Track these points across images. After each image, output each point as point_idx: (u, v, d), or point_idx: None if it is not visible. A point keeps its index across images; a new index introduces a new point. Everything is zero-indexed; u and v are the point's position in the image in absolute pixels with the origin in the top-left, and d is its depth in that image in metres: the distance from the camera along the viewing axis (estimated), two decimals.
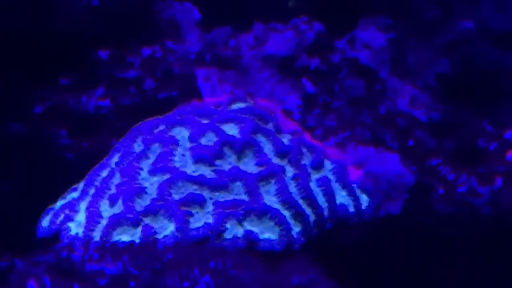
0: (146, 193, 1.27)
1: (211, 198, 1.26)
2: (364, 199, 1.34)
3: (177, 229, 1.22)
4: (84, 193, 1.32)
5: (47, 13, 1.46)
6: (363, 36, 1.57)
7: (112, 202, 1.27)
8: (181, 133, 1.33)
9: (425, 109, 1.52)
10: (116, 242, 1.21)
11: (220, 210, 1.25)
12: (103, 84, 1.47)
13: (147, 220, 1.24)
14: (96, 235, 1.24)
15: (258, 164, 1.31)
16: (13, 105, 1.47)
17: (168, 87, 1.47)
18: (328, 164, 1.35)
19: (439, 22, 1.71)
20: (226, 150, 1.30)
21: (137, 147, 1.33)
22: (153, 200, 1.25)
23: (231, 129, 1.33)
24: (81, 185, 1.34)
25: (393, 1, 1.72)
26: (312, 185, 1.32)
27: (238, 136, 1.32)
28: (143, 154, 1.31)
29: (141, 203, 1.25)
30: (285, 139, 1.35)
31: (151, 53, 1.49)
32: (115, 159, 1.34)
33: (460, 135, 1.51)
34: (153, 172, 1.29)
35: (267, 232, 1.25)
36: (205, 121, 1.34)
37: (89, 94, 1.47)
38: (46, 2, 1.45)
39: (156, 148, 1.31)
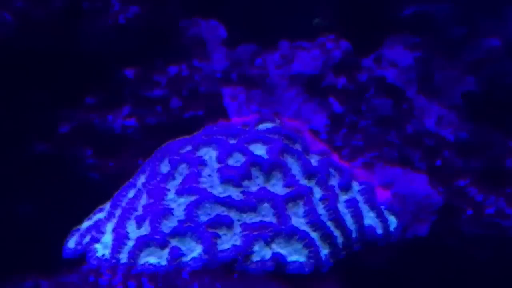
0: (173, 214, 1.25)
1: (238, 220, 1.25)
2: (392, 221, 1.33)
3: (204, 251, 1.20)
4: (110, 214, 1.31)
5: (74, 33, 1.47)
6: (390, 54, 1.58)
7: (139, 223, 1.26)
8: (208, 154, 1.32)
9: (453, 129, 1.53)
10: (144, 264, 1.20)
11: (248, 232, 1.23)
12: (129, 103, 1.48)
13: (174, 242, 1.22)
14: (123, 257, 1.23)
15: (286, 185, 1.29)
16: (39, 125, 1.48)
17: (194, 106, 1.48)
18: (356, 185, 1.34)
19: (465, 40, 1.72)
20: (253, 171, 1.29)
21: (164, 167, 1.33)
22: (180, 221, 1.24)
23: (259, 150, 1.32)
24: (107, 206, 1.34)
25: (419, 19, 1.73)
26: (340, 206, 1.30)
27: (266, 156, 1.31)
28: (170, 175, 1.30)
29: (168, 225, 1.24)
30: (313, 160, 1.34)
31: (177, 72, 1.50)
32: (142, 179, 1.34)
33: (487, 155, 1.51)
34: (180, 193, 1.27)
35: (295, 255, 1.23)
36: (232, 141, 1.33)
37: (115, 113, 1.48)
38: (73, 22, 1.46)
39: (183, 169, 1.30)
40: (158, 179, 1.31)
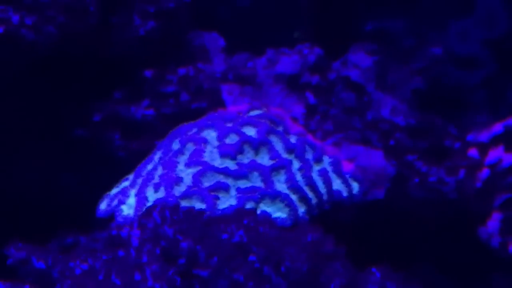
0: (182, 181, 1.27)
1: (234, 185, 1.27)
2: (355, 186, 1.34)
3: (207, 209, 1.22)
4: (133, 182, 1.33)
5: (105, 41, 1.47)
6: (354, 58, 1.58)
7: (156, 189, 1.28)
8: (210, 134, 1.33)
9: (403, 116, 1.52)
10: None
11: (241, 194, 1.25)
12: (148, 97, 1.47)
13: (183, 203, 1.23)
14: None
15: (271, 158, 1.31)
16: (77, 114, 1.47)
17: (199, 99, 1.48)
18: (326, 159, 1.35)
19: (414, 48, 1.71)
20: (245, 147, 1.31)
21: (175, 145, 1.34)
22: (188, 187, 1.26)
23: (250, 131, 1.34)
24: (131, 177, 1.35)
25: (378, 32, 1.72)
26: (314, 175, 1.32)
27: (255, 136, 1.33)
28: (180, 151, 1.32)
29: (178, 189, 1.26)
30: (292, 139, 1.36)
31: (186, 73, 1.49)
32: (158, 155, 1.35)
33: (431, 137, 1.51)
34: (188, 165, 1.29)
35: (279, 212, 1.25)
36: (229, 125, 1.35)
37: (137, 105, 1.47)
38: (104, 33, 1.46)
39: (190, 146, 1.32)
40: (170, 154, 1.32)
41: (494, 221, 1.43)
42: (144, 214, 1.06)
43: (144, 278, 0.97)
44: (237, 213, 1.16)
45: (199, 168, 1.28)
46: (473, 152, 1.48)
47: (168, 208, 1.04)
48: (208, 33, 1.57)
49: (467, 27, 1.82)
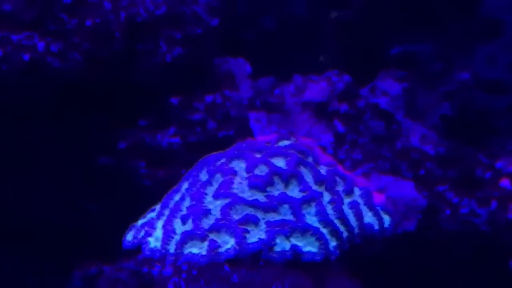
0: (211, 214, 1.25)
1: (263, 218, 1.25)
2: (387, 219, 1.32)
3: (236, 243, 1.21)
4: (160, 213, 1.31)
5: (130, 68, 1.46)
6: (382, 85, 1.57)
7: (184, 221, 1.26)
8: (239, 165, 1.31)
9: (433, 145, 1.51)
10: (187, 254, 1.21)
11: (271, 228, 1.23)
12: (174, 124, 1.47)
13: (212, 236, 1.23)
14: (171, 248, 1.23)
15: (301, 190, 1.29)
16: (102, 141, 1.47)
17: (226, 127, 1.47)
18: (357, 190, 1.33)
19: (442, 74, 1.71)
20: (275, 179, 1.29)
21: (203, 176, 1.32)
22: (216, 219, 1.24)
23: (279, 162, 1.32)
24: (157, 207, 1.33)
25: (405, 57, 1.72)
26: (345, 207, 1.30)
27: (285, 167, 1.30)
28: (208, 182, 1.30)
29: (207, 222, 1.24)
30: (322, 170, 1.34)
31: (213, 100, 1.48)
32: (185, 186, 1.33)
33: (461, 166, 1.50)
34: (216, 197, 1.27)
35: (309, 246, 1.23)
36: (258, 156, 1.33)
37: (163, 133, 1.46)
38: (129, 59, 1.46)
39: (219, 177, 1.30)
40: (198, 185, 1.30)
41: None
42: (175, 271, 1.03)
43: None
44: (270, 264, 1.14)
45: (228, 200, 1.26)
46: (505, 182, 1.47)
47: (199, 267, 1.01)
48: (235, 59, 1.56)
49: (494, 52, 1.82)
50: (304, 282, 0.95)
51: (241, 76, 1.54)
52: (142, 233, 1.29)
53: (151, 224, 1.29)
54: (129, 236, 1.31)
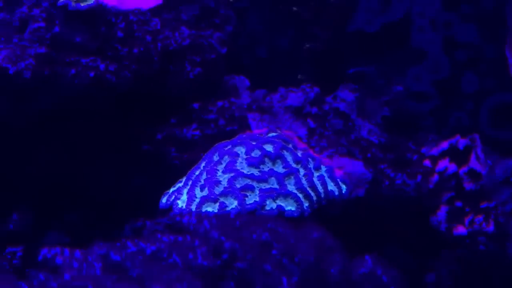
0: (221, 183, 1.25)
1: (257, 187, 1.24)
2: (344, 187, 1.31)
3: (239, 204, 1.21)
4: (185, 184, 1.30)
5: (165, 82, 1.46)
6: (341, 95, 1.56)
7: (202, 189, 1.26)
8: (240, 150, 1.30)
9: (377, 136, 1.50)
10: (205, 211, 1.21)
11: (263, 193, 1.23)
12: (196, 122, 1.45)
13: (221, 199, 1.22)
14: (193, 208, 1.23)
15: (284, 167, 1.28)
16: (145, 134, 1.46)
17: (232, 124, 1.45)
18: (323, 167, 1.33)
19: (383, 87, 1.70)
20: (266, 159, 1.28)
21: (215, 157, 1.31)
22: (225, 188, 1.24)
23: (269, 147, 1.31)
24: (183, 179, 1.33)
25: (358, 75, 1.70)
26: (314, 179, 1.29)
27: (273, 151, 1.30)
28: (219, 162, 1.29)
29: (218, 190, 1.24)
30: (299, 153, 1.33)
31: (222, 105, 1.47)
32: (203, 164, 1.32)
33: (396, 151, 1.49)
34: (224, 172, 1.27)
35: (289, 206, 1.23)
36: (253, 143, 1.32)
37: (187, 128, 1.45)
38: (164, 76, 1.45)
39: (226, 158, 1.29)
40: (212, 164, 1.30)
41: (442, 212, 1.42)
42: (198, 220, 1.02)
43: (195, 257, 0.93)
44: (262, 218, 1.13)
45: (233, 174, 1.26)
46: (426, 162, 1.46)
47: (214, 217, 1.00)
48: (238, 76, 1.55)
49: (420, 72, 1.81)
50: (285, 229, 0.95)
51: (242, 88, 1.53)
52: (173, 197, 1.29)
53: (179, 191, 1.29)
54: (164, 200, 1.31)
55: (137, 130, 1.45)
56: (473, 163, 1.42)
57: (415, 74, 1.81)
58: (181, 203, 1.26)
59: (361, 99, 1.60)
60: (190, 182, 1.30)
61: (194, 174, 1.31)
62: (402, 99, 1.70)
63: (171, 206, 1.27)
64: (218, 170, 1.28)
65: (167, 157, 1.44)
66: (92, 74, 1.36)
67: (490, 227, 1.38)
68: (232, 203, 1.22)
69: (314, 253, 0.87)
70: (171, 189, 1.32)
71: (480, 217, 1.39)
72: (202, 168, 1.32)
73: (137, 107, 1.45)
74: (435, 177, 1.43)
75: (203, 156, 1.36)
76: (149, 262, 0.94)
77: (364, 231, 1.39)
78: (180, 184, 1.32)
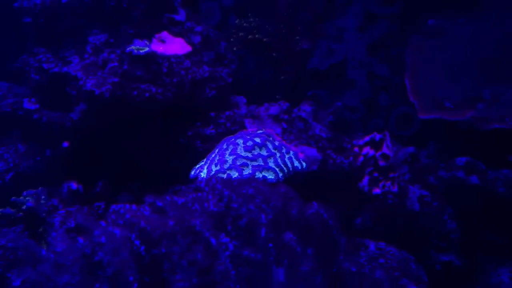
0: (227, 162, 1.24)
1: (250, 164, 1.24)
2: (304, 164, 1.31)
3: (239, 174, 1.21)
4: (205, 162, 1.30)
5: (193, 100, 1.44)
6: (303, 107, 1.57)
7: (216, 165, 1.25)
8: (239, 141, 1.30)
9: (325, 133, 1.48)
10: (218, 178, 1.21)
11: (254, 168, 1.23)
12: (212, 124, 1.44)
13: (228, 172, 1.22)
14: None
15: (267, 152, 1.28)
16: (180, 133, 1.44)
17: (235, 125, 1.45)
18: (291, 152, 1.32)
19: (329, 104, 1.70)
20: (255, 147, 1.28)
21: (224, 146, 1.30)
22: (230, 165, 1.23)
23: (257, 139, 1.30)
24: (204, 160, 1.32)
25: (314, 96, 1.71)
26: (286, 159, 1.29)
27: (260, 142, 1.29)
28: (226, 149, 1.29)
29: (225, 166, 1.23)
30: (276, 143, 1.32)
31: (229, 114, 1.47)
32: (217, 150, 1.32)
33: (337, 142, 1.47)
34: (230, 154, 1.26)
35: (270, 176, 1.23)
36: (248, 137, 1.31)
37: (207, 128, 1.44)
38: (193, 96, 1.43)
39: (231, 146, 1.29)
40: (222, 150, 1.29)
41: (365, 180, 1.41)
42: (210, 178, 1.02)
43: (208, 205, 0.94)
44: (250, 180, 1.13)
45: (234, 156, 1.25)
46: (356, 149, 1.46)
47: (221, 180, 1.00)
48: (239, 96, 1.54)
49: (353, 94, 1.81)
50: (264, 187, 0.95)
51: (241, 104, 1.53)
52: (198, 171, 1.29)
53: (201, 167, 1.29)
54: (192, 172, 1.30)
55: (176, 130, 1.45)
56: (384, 149, 1.42)
57: (350, 95, 1.82)
58: (203, 174, 1.26)
59: (315, 110, 1.61)
60: (208, 162, 1.30)
61: (211, 156, 1.31)
62: (341, 110, 1.70)
63: (196, 176, 1.27)
64: (226, 154, 1.28)
65: (195, 146, 1.44)
66: (147, 94, 1.36)
67: (395, 188, 1.38)
68: (235, 174, 1.22)
69: (282, 201, 0.87)
70: (197, 166, 1.32)
71: (388, 182, 1.39)
72: (216, 153, 1.32)
73: (176, 116, 1.44)
74: (361, 158, 1.42)
75: (216, 146, 1.36)
76: (180, 208, 0.95)
77: (317, 194, 1.38)
78: (202, 163, 1.32)
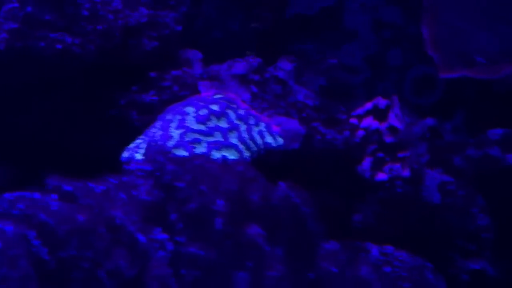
0: (173, 138, 1.24)
1: (204, 140, 1.24)
2: (280, 140, 1.32)
3: (189, 155, 1.20)
4: (144, 140, 1.30)
5: (126, 54, 1.44)
6: (281, 65, 1.54)
7: (157, 143, 1.24)
8: (190, 109, 1.30)
9: (312, 100, 1.48)
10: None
11: (209, 145, 1.23)
12: (154, 89, 1.44)
13: (174, 151, 1.21)
14: None
15: (228, 123, 1.28)
16: (110, 101, 1.44)
17: (185, 90, 1.44)
18: (262, 124, 1.33)
19: (319, 61, 1.70)
20: (211, 117, 1.28)
21: (169, 117, 1.31)
22: (177, 141, 1.23)
23: (214, 107, 1.31)
24: (142, 136, 1.32)
25: (299, 51, 1.70)
26: (254, 133, 1.30)
27: (218, 110, 1.30)
28: (171, 120, 1.29)
29: (170, 143, 1.23)
30: (241, 112, 1.33)
31: (177, 74, 1.46)
32: (159, 123, 1.32)
33: (328, 112, 1.47)
34: (176, 128, 1.26)
35: (232, 155, 1.23)
36: (201, 103, 1.31)
37: (145, 94, 1.44)
38: (126, 49, 1.43)
39: (177, 117, 1.29)
40: (166, 121, 1.29)
41: (366, 162, 1.42)
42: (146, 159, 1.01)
43: (138, 192, 0.92)
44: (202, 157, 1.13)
45: (183, 130, 1.25)
46: (353, 120, 1.46)
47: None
48: (191, 50, 1.54)
49: (353, 49, 1.81)
50: (214, 166, 0.94)
51: (195, 61, 1.52)
52: (133, 152, 1.27)
53: (137, 147, 1.28)
54: (125, 154, 1.29)
55: (103, 97, 1.43)
56: (392, 120, 1.42)
57: (349, 50, 1.81)
58: (139, 155, 1.25)
59: (299, 69, 1.58)
60: (147, 139, 1.29)
61: (151, 131, 1.30)
62: (336, 70, 1.70)
63: (130, 159, 1.26)
64: (171, 127, 1.27)
65: (130, 119, 1.43)
66: (59, 46, 1.34)
67: (406, 172, 1.38)
68: (183, 154, 1.21)
69: (238, 183, 0.86)
70: (132, 145, 1.31)
71: (397, 164, 1.39)
72: (157, 127, 1.31)
73: (102, 77, 1.43)
74: (360, 132, 1.42)
75: (158, 117, 1.35)
76: (100, 198, 0.93)
77: (298, 176, 1.38)
78: (139, 141, 1.31)
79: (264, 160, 1.28)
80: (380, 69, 1.81)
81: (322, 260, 0.88)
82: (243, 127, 1.29)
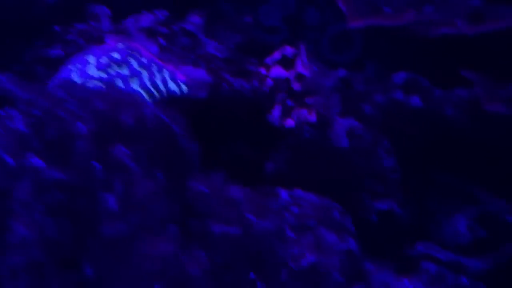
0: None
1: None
2: (185, 88, 1.32)
3: None
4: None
5: (29, 8, 1.42)
6: (190, 19, 1.53)
7: None
8: (90, 58, 1.29)
9: (221, 53, 1.49)
10: None
11: None
12: (58, 42, 1.43)
13: None
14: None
15: (129, 71, 1.28)
16: (15, 57, 1.42)
17: (90, 43, 1.43)
18: (166, 72, 1.32)
19: (235, 18, 1.69)
20: (112, 64, 1.27)
21: (71, 67, 1.29)
22: None
23: (116, 55, 1.30)
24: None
25: (213, 10, 1.68)
26: (157, 80, 1.29)
27: (119, 58, 1.29)
28: (71, 70, 1.27)
29: None
30: (144, 60, 1.32)
31: (83, 28, 1.46)
32: (60, 74, 1.29)
33: (238, 64, 1.48)
34: (77, 76, 1.25)
35: None
36: (102, 52, 1.30)
37: (52, 48, 1.43)
38: (29, 4, 1.40)
39: (77, 65, 1.27)
40: (67, 71, 1.27)
41: (276, 111, 1.43)
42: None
43: (14, 124, 0.91)
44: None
45: (83, 79, 1.24)
46: (262, 70, 1.46)
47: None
48: (99, 5, 1.52)
49: (269, 9, 1.81)
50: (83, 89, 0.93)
51: (103, 16, 1.50)
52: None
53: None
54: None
55: (6, 52, 1.42)
56: (299, 67, 1.44)
57: (265, 11, 1.82)
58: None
59: (211, 25, 1.59)
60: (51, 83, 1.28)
61: (56, 78, 1.29)
62: (253, 29, 1.70)
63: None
64: (72, 77, 1.26)
65: (37, 74, 1.41)
66: None
67: (313, 117, 1.40)
68: None
69: (109, 106, 0.86)
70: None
71: (304, 110, 1.41)
72: (59, 77, 1.29)
73: (5, 32, 1.43)
74: (269, 81, 1.43)
75: (61, 67, 1.33)
76: None
77: (206, 128, 1.39)
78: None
79: (169, 105, 1.28)
80: (300, 29, 1.82)
81: (195, 180, 0.88)
82: (145, 74, 1.29)
